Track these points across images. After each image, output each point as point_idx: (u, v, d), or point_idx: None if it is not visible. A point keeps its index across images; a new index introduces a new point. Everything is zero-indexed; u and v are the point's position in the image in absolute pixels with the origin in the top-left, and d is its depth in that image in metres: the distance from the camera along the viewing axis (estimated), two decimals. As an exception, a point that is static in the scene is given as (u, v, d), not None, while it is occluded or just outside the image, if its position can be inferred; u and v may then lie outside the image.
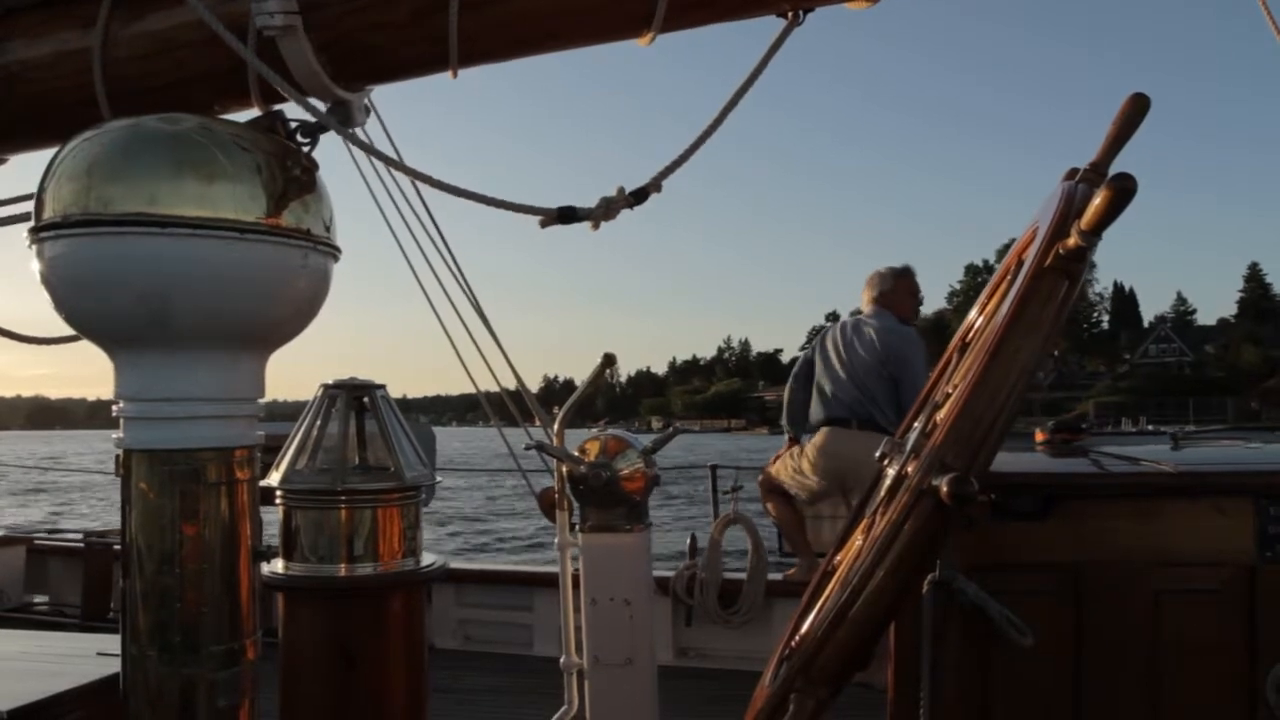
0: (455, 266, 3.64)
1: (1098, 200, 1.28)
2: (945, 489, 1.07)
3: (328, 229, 0.90)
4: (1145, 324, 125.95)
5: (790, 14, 1.95)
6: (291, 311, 0.93)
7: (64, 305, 0.85)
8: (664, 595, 5.50)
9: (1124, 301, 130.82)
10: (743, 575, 5.57)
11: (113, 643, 2.74)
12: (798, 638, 1.76)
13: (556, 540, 3.22)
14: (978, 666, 1.46)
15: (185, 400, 0.85)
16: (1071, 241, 1.34)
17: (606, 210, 1.78)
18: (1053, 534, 1.56)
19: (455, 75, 2.01)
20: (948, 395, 1.68)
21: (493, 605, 6.05)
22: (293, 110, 2.00)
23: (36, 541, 8.31)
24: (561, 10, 1.88)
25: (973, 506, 1.10)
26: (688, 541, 5.74)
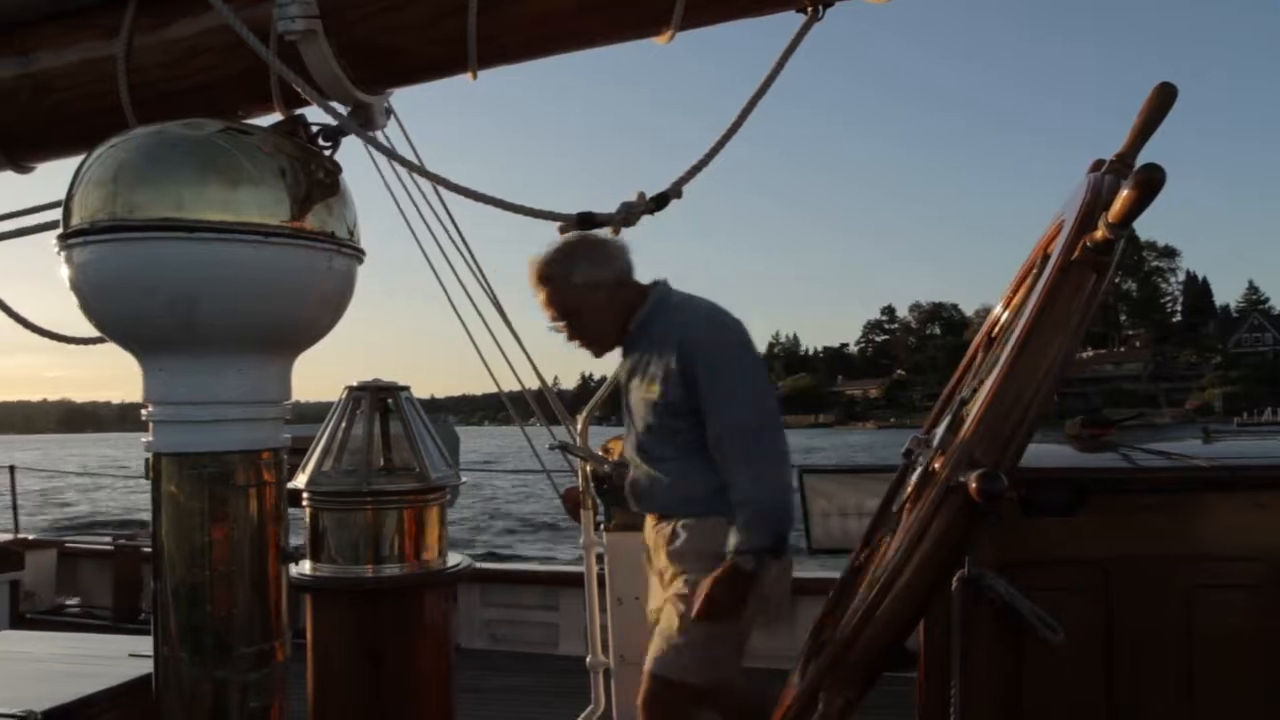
0: (476, 267, 3.65)
1: (1126, 192, 1.27)
2: (974, 485, 1.06)
3: (351, 232, 0.90)
4: (1219, 314, 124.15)
5: (810, 9, 1.93)
6: (317, 314, 0.94)
7: (93, 311, 0.86)
8: (689, 593, 5.48)
9: (1198, 292, 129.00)
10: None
11: (144, 644, 2.76)
12: (825, 635, 1.75)
13: (581, 540, 3.22)
14: (1008, 664, 1.44)
15: (213, 403, 0.86)
16: (1099, 234, 1.32)
17: (626, 216, 1.77)
18: (1084, 529, 1.54)
19: (475, 77, 2.01)
20: (974, 390, 1.67)
21: (518, 605, 6.06)
22: (314, 114, 2.01)
23: (67, 544, 8.41)
24: (580, 9, 1.87)
25: (1002, 502, 1.09)
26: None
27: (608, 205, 1.86)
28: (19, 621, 5.96)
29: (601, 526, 2.99)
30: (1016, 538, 1.46)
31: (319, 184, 0.90)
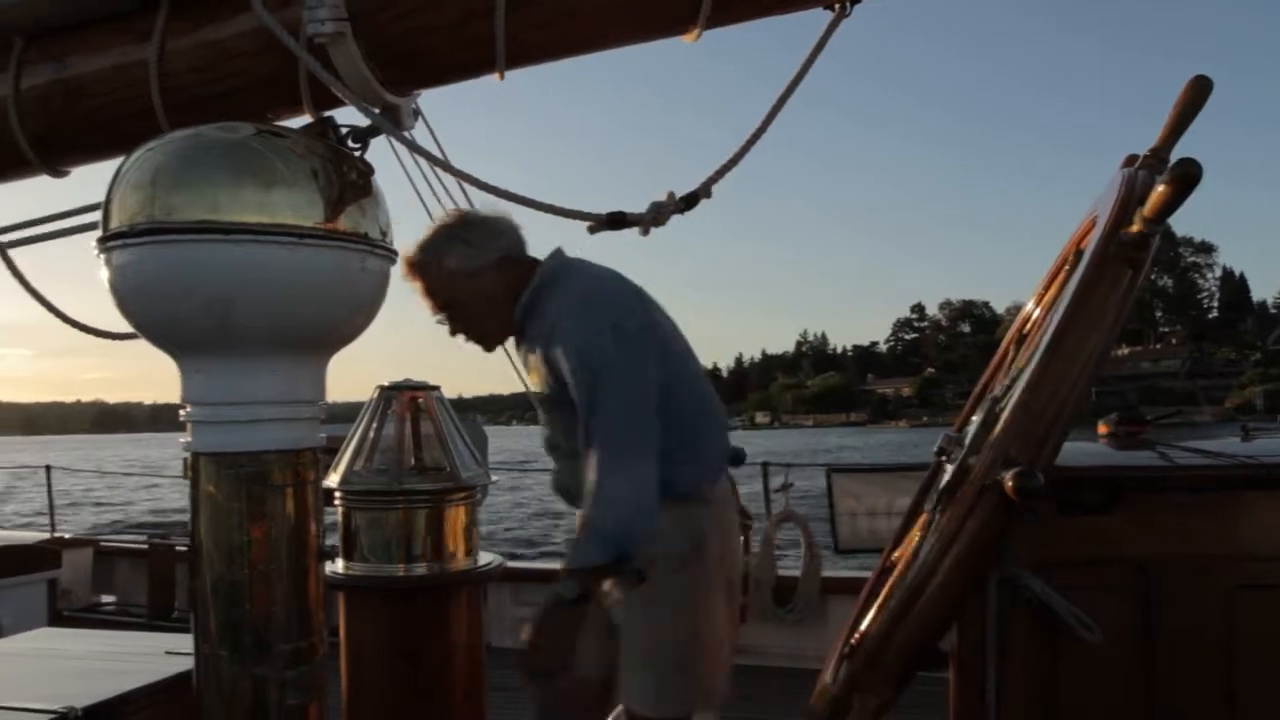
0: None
1: (1162, 186, 1.25)
2: (1011, 483, 1.05)
3: (384, 233, 0.91)
4: (1256, 310, 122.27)
5: (837, 5, 1.92)
6: (351, 314, 0.95)
7: (131, 312, 0.87)
8: (717, 593, 5.48)
9: (1235, 288, 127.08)
10: (796, 572, 5.54)
11: (179, 642, 2.80)
12: (857, 635, 1.74)
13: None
14: (1044, 664, 1.43)
15: (250, 404, 0.87)
16: (1135, 229, 1.31)
17: (656, 216, 1.77)
18: (1120, 528, 1.52)
19: (502, 77, 2.02)
20: (1007, 388, 1.65)
21: None
22: (341, 117, 2.03)
23: (103, 543, 8.53)
24: (607, 9, 1.87)
25: (1038, 501, 1.08)
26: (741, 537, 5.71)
27: (631, 206, 1.86)
28: (57, 619, 6.05)
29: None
30: (1052, 537, 1.44)
31: (352, 185, 0.90)
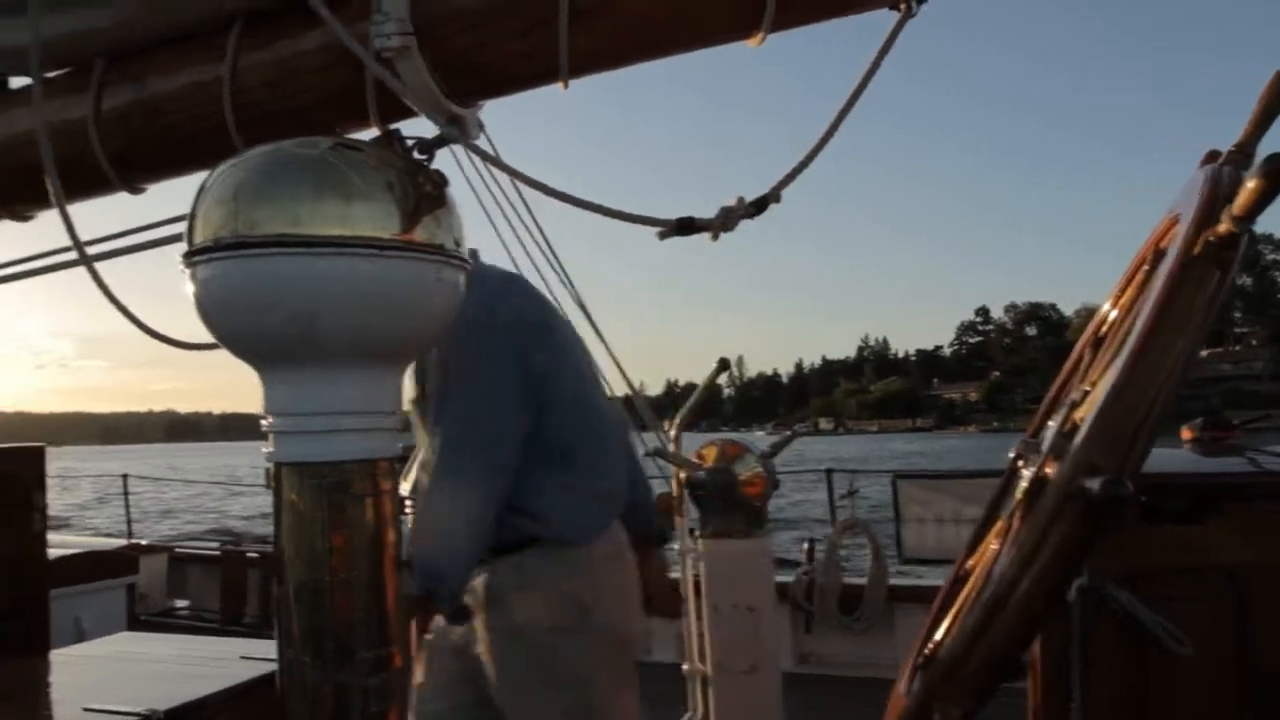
0: (564, 274, 3.69)
1: (1252, 183, 1.20)
2: (1097, 491, 1.02)
3: (458, 243, 0.92)
4: None
5: (903, 5, 1.90)
6: (427, 325, 0.96)
7: (216, 325, 0.89)
8: (782, 601, 5.43)
9: None
10: (861, 581, 5.47)
11: (252, 647, 2.86)
12: (931, 645, 1.71)
13: (676, 546, 3.22)
14: (1131, 676, 1.39)
15: (331, 414, 0.88)
16: (1223, 228, 1.26)
17: (725, 221, 1.76)
18: (1210, 537, 1.46)
19: (565, 86, 2.03)
20: (1086, 392, 1.61)
21: None
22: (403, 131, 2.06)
23: (177, 550, 8.79)
24: (672, 14, 1.88)
25: (1126, 510, 1.05)
26: (804, 546, 5.65)
27: (687, 213, 1.84)
28: (135, 623, 6.24)
29: (696, 533, 2.98)
30: (1138, 546, 1.40)
31: (427, 196, 0.92)
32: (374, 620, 0.90)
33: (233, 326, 0.89)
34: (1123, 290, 2.04)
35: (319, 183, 0.86)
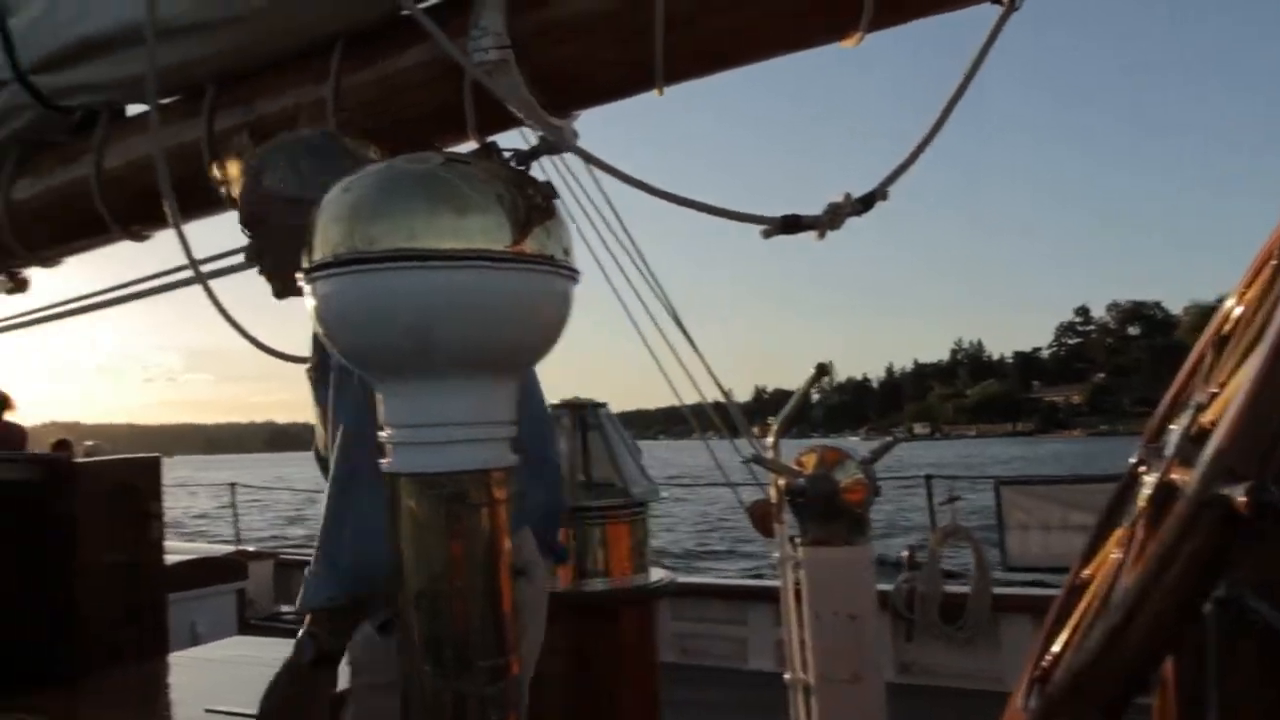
0: (655, 283, 3.69)
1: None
2: (1242, 499, 0.96)
3: (567, 253, 0.93)
4: None
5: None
6: (539, 336, 0.96)
7: (336, 340, 0.92)
8: (882, 609, 5.34)
9: None
10: (963, 589, 5.34)
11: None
12: (1049, 658, 1.64)
13: (777, 554, 3.18)
14: (1271, 694, 1.31)
15: (447, 425, 0.89)
16: (1366, 217, 1.19)
17: (832, 218, 1.72)
18: None
19: (661, 93, 2.03)
20: (1213, 395, 1.53)
21: (707, 618, 6.05)
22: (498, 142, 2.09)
23: (282, 556, 9.07)
24: (767, 19, 1.86)
25: (1270, 517, 0.99)
26: (903, 554, 5.54)
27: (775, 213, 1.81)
28: (245, 627, 6.46)
29: (796, 541, 2.95)
30: (1278, 554, 1.32)
31: (537, 207, 0.92)
32: (490, 629, 0.91)
33: (351, 340, 0.91)
34: (1247, 286, 1.94)
35: (432, 196, 0.87)
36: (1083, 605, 1.64)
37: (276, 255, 1.90)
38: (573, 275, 0.95)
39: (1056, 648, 1.64)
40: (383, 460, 0.91)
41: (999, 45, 1.86)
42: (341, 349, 0.91)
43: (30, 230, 2.89)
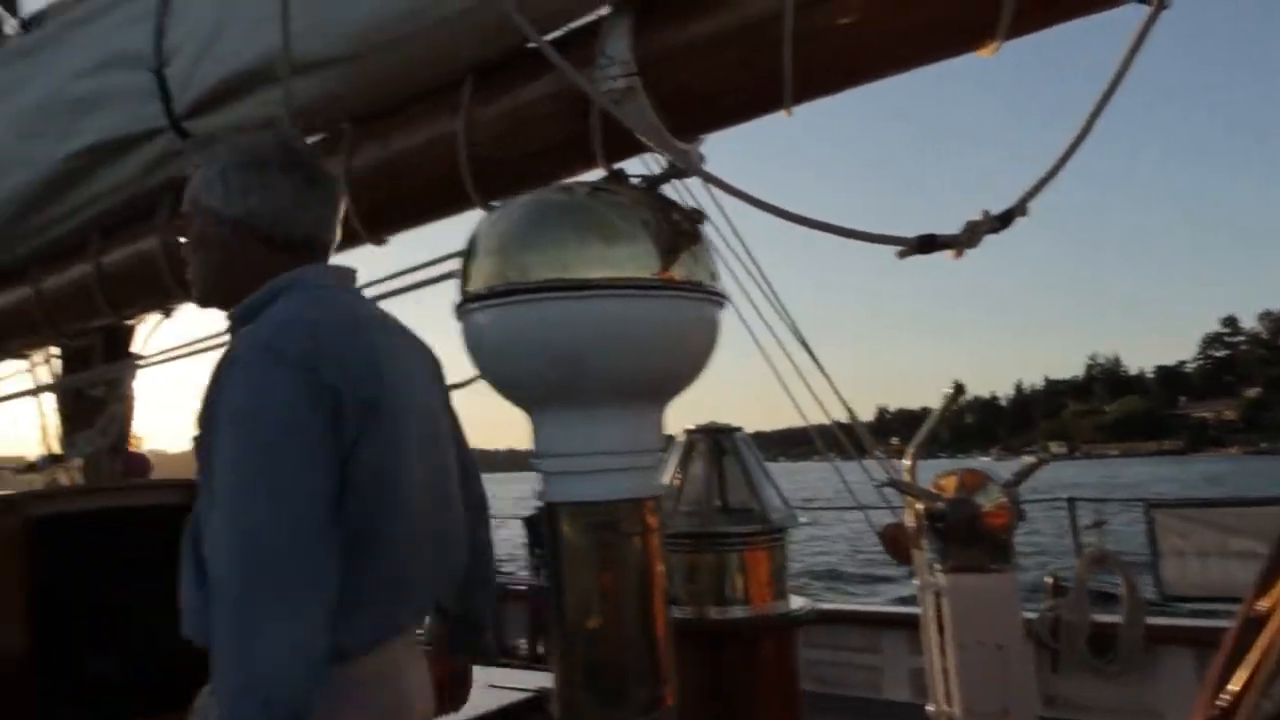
0: (780, 306, 3.65)
1: None
2: None
3: (714, 277, 0.92)
4: None
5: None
6: (688, 363, 0.96)
7: (489, 369, 0.93)
8: (1026, 638, 5.10)
9: None
10: (1113, 619, 5.05)
11: (496, 674, 2.96)
12: (1228, 696, 1.53)
13: (917, 581, 3.08)
14: None
15: (600, 454, 0.89)
16: None
17: (970, 236, 1.66)
18: None
19: (790, 113, 2.00)
20: None
21: (840, 646, 5.91)
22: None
23: None
24: (900, 33, 1.81)
25: None
26: (1047, 580, 5.28)
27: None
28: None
29: (937, 567, 2.84)
30: None
31: (684, 233, 0.92)
32: (645, 657, 0.90)
33: (504, 370, 0.92)
34: None
35: (580, 226, 0.88)
36: (1264, 641, 1.53)
37: (195, 264, 1.78)
38: (720, 300, 0.94)
39: (1235, 686, 1.53)
40: (536, 487, 0.91)
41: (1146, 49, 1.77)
42: (493, 378, 0.92)
43: (182, 269, 3.06)
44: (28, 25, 3.78)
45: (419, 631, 1.44)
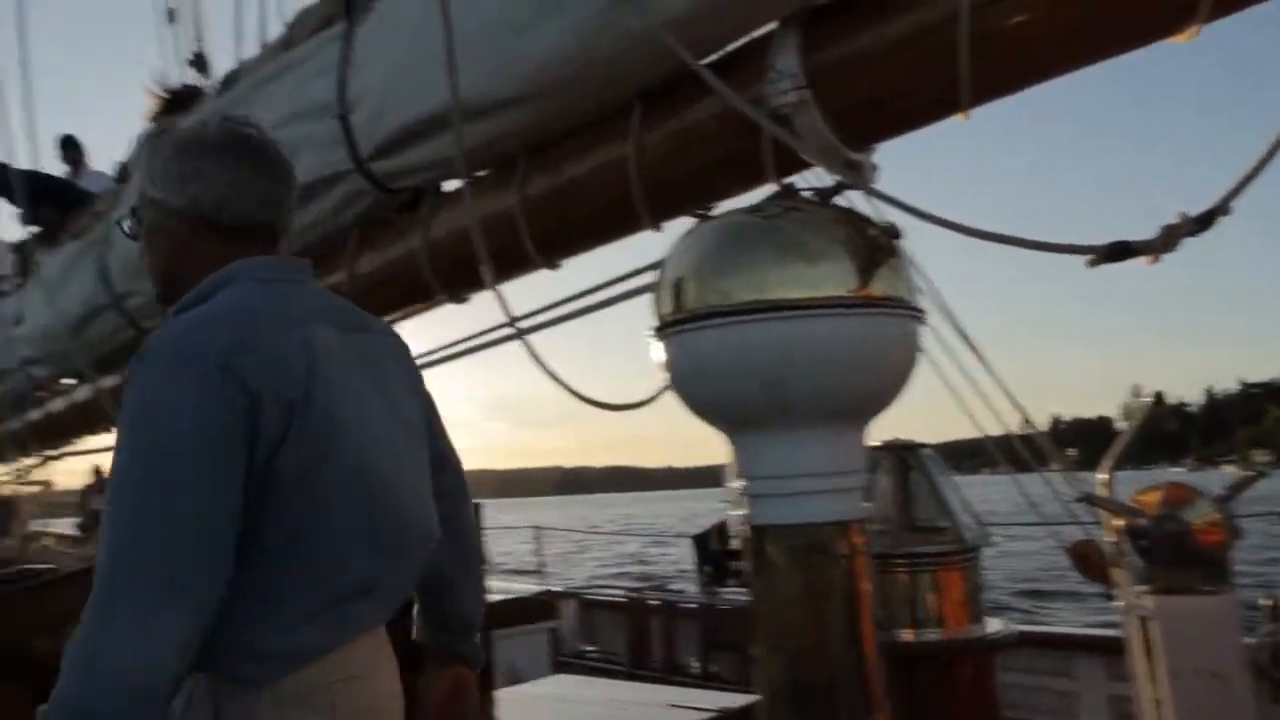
0: (954, 319, 3.52)
1: None
2: None
3: (912, 291, 0.89)
4: None
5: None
6: (890, 382, 0.93)
7: (688, 393, 0.93)
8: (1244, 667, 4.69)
9: None
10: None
11: (675, 694, 2.97)
12: None
13: (1122, 603, 2.89)
14: None
15: (805, 476, 0.88)
16: None
17: (1167, 240, 1.55)
18: None
19: (967, 116, 1.93)
20: None
21: (1031, 670, 5.61)
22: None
23: (585, 596, 9.48)
24: (1089, 22, 1.71)
25: None
26: (1265, 602, 4.85)
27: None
28: (557, 666, 6.76)
29: (1141, 589, 2.66)
30: None
31: (880, 247, 0.89)
32: (855, 679, 0.88)
33: (706, 393, 0.92)
34: None
35: (778, 247, 0.87)
36: None
37: (149, 258, 1.71)
38: (920, 316, 0.91)
39: None
40: (738, 510, 0.91)
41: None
42: (692, 402, 0.92)
43: (369, 299, 3.23)
44: (225, 85, 4.09)
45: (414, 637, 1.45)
